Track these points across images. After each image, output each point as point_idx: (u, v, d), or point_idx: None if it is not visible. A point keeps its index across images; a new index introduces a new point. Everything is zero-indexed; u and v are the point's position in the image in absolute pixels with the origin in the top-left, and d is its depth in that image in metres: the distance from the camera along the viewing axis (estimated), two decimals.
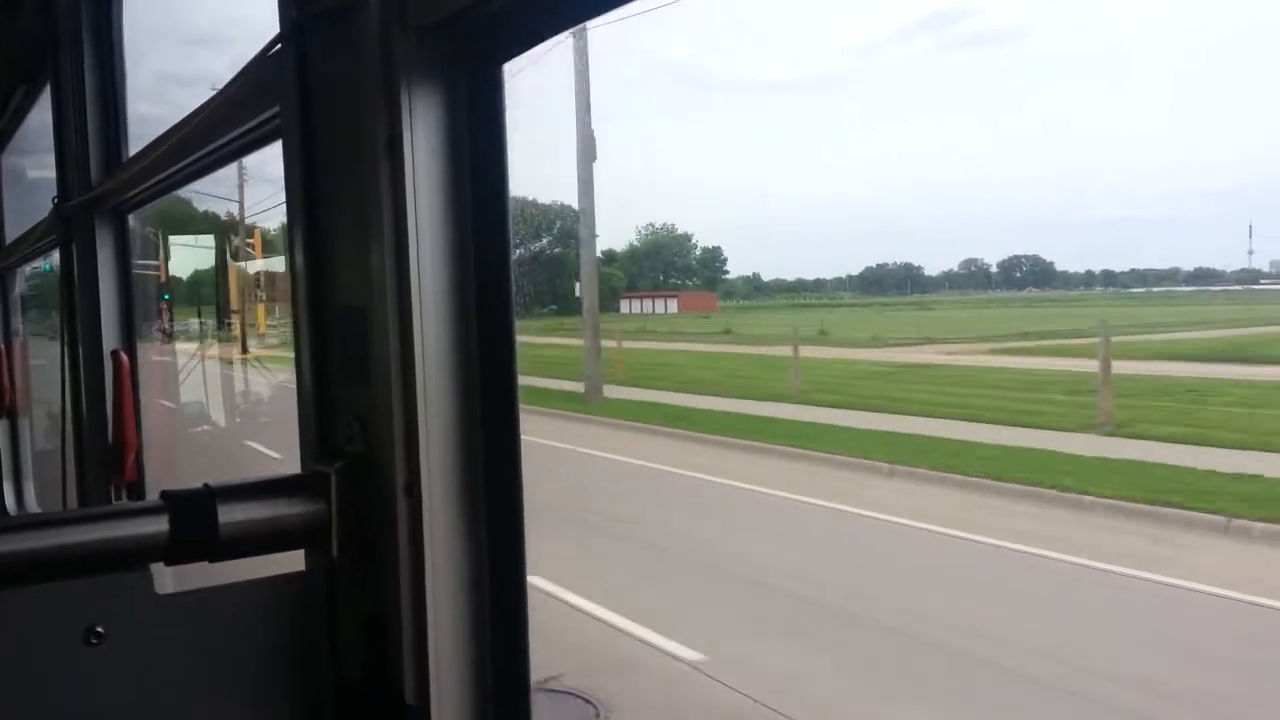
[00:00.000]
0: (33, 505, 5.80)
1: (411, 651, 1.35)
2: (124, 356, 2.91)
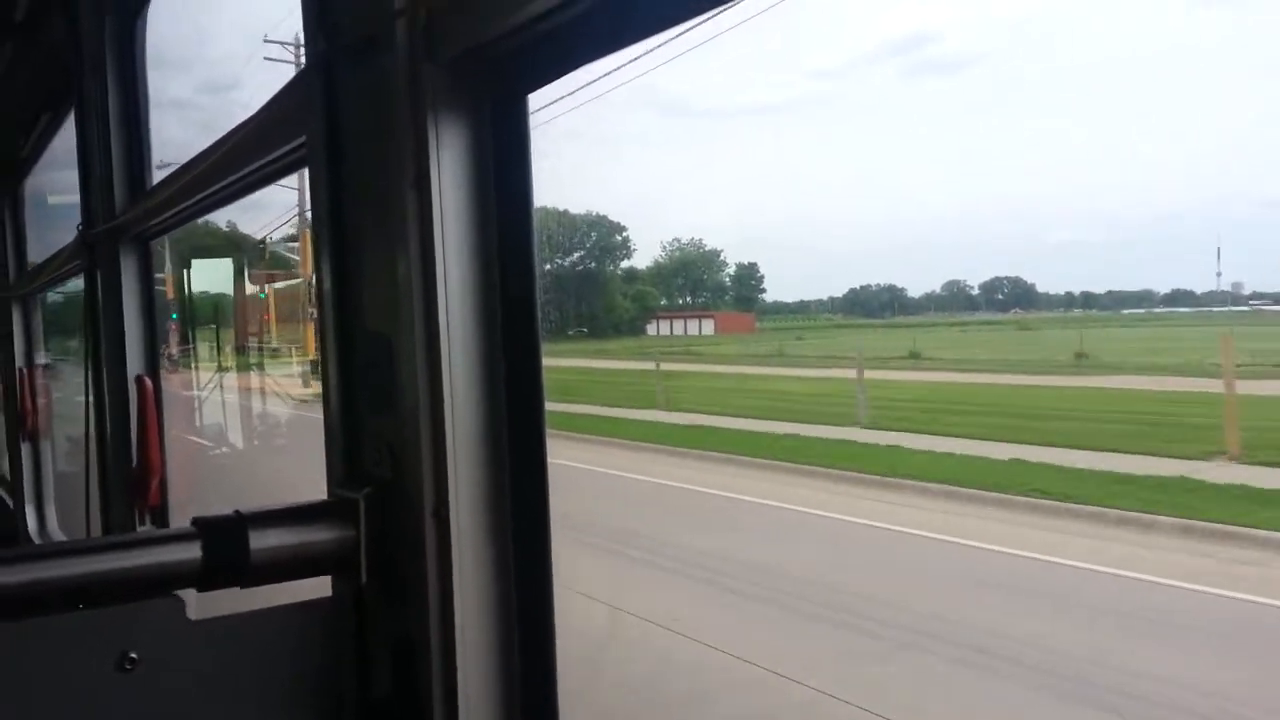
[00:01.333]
0: (54, 528, 5.83)
1: (440, 677, 1.35)
2: (148, 382, 2.94)
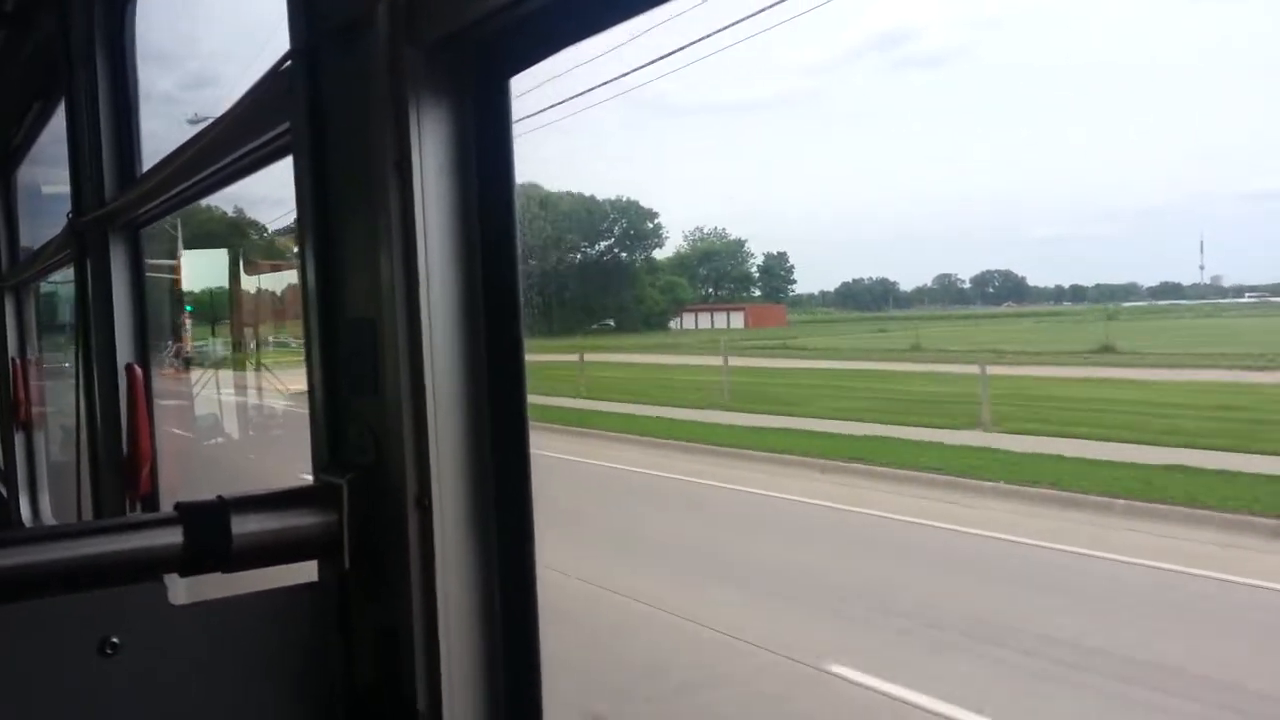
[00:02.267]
0: (48, 517, 5.83)
1: (423, 660, 1.36)
2: (138, 370, 2.94)
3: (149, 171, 2.76)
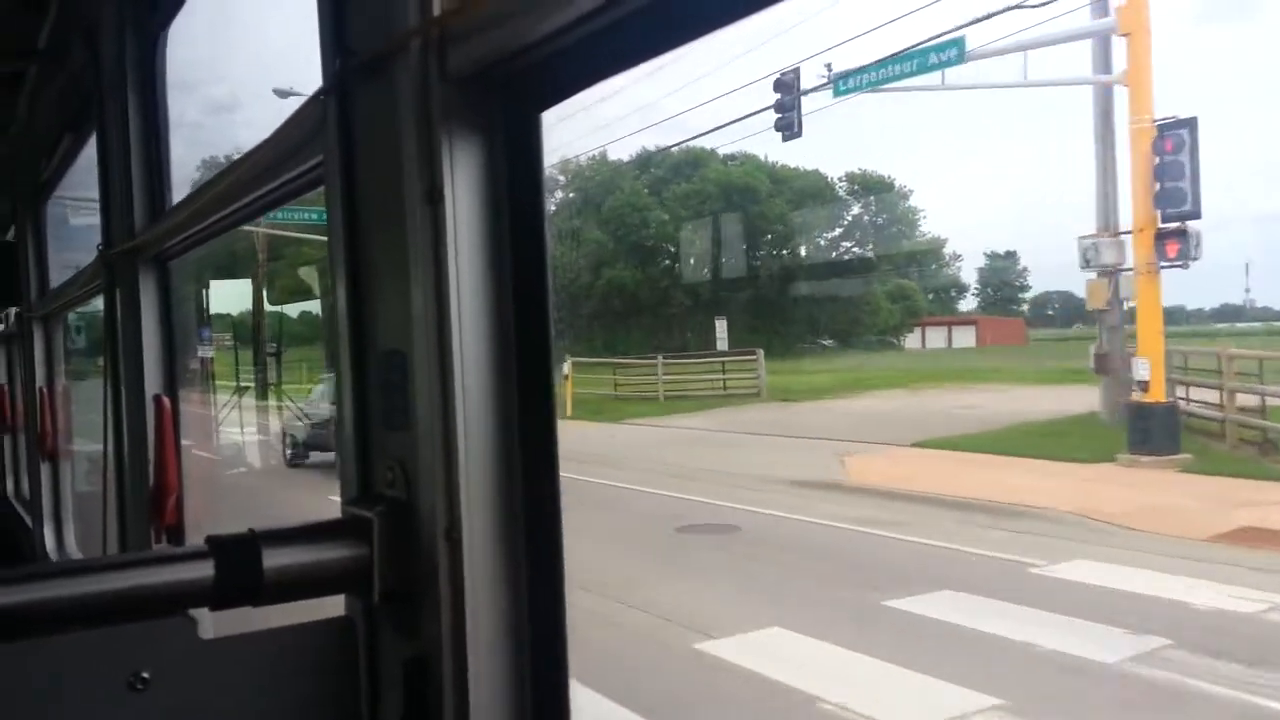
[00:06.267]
0: (72, 549, 5.86)
1: (452, 696, 1.34)
2: (166, 401, 2.96)
3: (179, 204, 2.78)
